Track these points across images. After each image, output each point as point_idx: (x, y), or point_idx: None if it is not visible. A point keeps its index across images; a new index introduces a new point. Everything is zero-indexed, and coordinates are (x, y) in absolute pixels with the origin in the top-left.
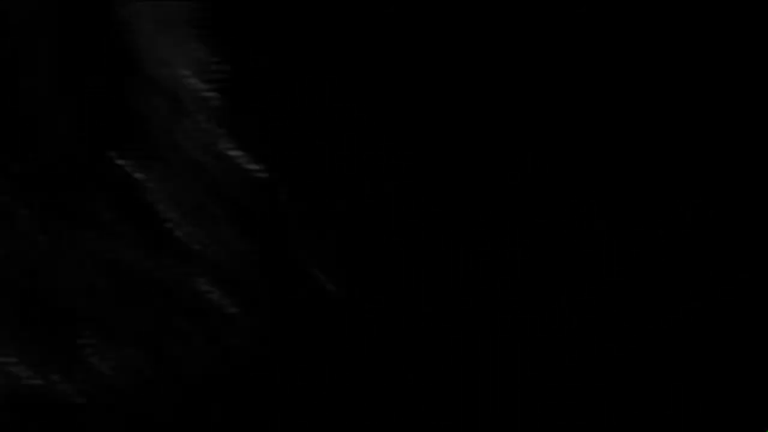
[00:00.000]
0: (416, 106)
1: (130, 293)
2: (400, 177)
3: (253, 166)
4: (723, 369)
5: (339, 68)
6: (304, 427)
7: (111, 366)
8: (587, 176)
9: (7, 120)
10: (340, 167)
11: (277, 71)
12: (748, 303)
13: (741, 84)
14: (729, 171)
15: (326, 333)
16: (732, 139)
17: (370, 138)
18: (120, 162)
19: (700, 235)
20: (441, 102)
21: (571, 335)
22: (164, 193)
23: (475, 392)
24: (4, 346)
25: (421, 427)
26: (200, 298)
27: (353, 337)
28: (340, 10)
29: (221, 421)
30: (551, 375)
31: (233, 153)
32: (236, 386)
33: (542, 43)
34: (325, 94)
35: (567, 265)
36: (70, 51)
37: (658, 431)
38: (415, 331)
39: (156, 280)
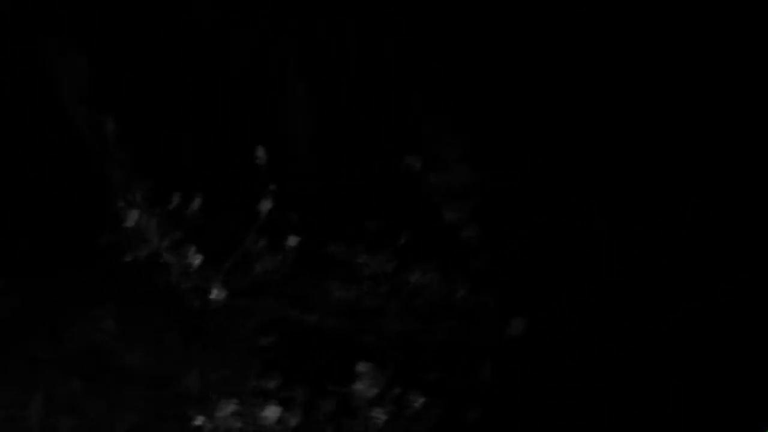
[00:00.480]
0: None
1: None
2: None
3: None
4: (723, 369)
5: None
6: None
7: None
8: (587, 176)
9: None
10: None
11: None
12: (748, 303)
13: (741, 85)
14: (729, 171)
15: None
16: (732, 140)
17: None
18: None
19: (700, 235)
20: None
21: (571, 334)
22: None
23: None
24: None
25: None
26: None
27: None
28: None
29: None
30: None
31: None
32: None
33: (544, 45)
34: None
35: (567, 264)
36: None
37: (659, 431)
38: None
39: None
